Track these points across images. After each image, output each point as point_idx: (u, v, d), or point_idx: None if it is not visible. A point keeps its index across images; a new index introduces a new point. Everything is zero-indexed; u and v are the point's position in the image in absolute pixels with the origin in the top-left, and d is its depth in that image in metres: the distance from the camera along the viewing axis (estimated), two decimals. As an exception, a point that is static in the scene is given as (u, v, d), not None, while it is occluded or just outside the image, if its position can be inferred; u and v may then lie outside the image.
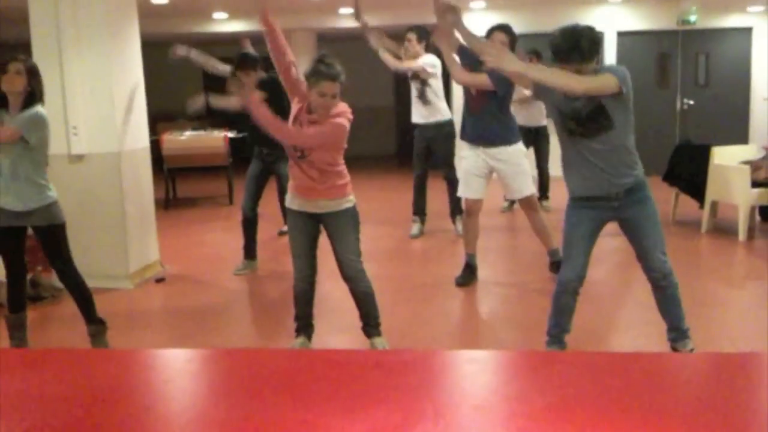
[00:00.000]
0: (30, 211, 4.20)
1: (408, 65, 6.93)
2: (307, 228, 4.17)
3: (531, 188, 5.67)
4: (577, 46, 3.57)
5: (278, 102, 4.90)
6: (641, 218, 3.84)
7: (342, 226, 4.14)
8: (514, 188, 5.64)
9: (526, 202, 5.69)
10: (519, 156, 5.60)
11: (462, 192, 5.68)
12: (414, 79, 7.06)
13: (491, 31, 5.34)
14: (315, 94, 3.87)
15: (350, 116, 3.99)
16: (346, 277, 4.19)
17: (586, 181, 3.78)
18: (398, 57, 6.99)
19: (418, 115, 7.17)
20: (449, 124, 7.16)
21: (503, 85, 5.15)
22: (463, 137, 5.64)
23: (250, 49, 5.90)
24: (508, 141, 5.51)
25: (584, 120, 3.65)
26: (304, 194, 4.11)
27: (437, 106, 7.09)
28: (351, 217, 4.16)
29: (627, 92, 3.60)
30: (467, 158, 5.60)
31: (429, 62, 6.93)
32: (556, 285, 4.04)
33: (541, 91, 3.81)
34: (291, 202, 4.19)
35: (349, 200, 4.15)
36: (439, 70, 6.92)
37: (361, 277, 4.18)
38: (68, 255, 4.37)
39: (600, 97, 3.60)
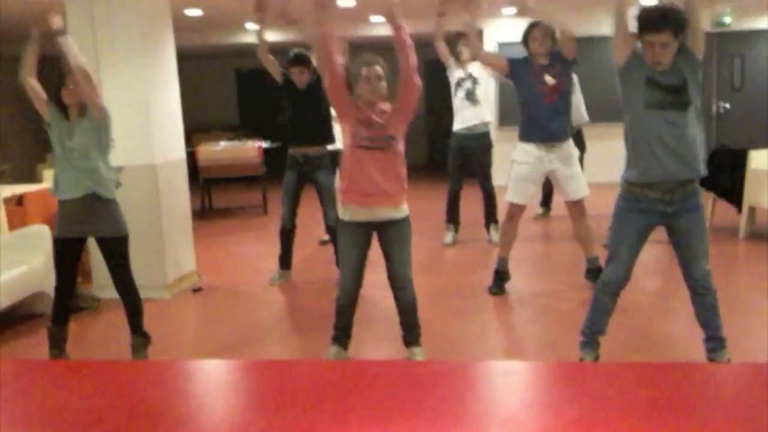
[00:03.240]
0: (102, 210, 4.32)
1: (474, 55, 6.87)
2: (361, 241, 4.13)
3: (586, 189, 5.62)
4: (670, 19, 3.56)
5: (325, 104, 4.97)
6: (692, 227, 3.81)
7: (400, 236, 4.10)
8: (571, 190, 5.57)
9: (576, 206, 5.63)
10: (575, 156, 5.61)
11: (511, 197, 5.60)
12: (465, 80, 7.08)
13: (528, 30, 5.39)
14: (362, 84, 3.95)
15: None
16: (397, 287, 4.17)
17: (657, 163, 3.69)
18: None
19: (462, 119, 7.17)
20: (488, 135, 7.24)
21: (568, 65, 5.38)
22: (528, 138, 5.50)
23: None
24: (568, 134, 5.55)
25: (673, 90, 3.63)
26: (363, 201, 4.05)
27: (484, 110, 7.17)
28: (408, 226, 4.14)
29: (700, 79, 3.68)
30: (525, 164, 5.51)
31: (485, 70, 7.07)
32: (597, 284, 4.03)
33: (634, 59, 3.74)
34: (344, 213, 4.16)
35: (406, 208, 4.14)
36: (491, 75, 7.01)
37: (410, 288, 4.16)
38: (127, 265, 4.47)
39: (684, 74, 3.63)
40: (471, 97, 7.07)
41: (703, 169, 3.77)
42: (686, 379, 2.16)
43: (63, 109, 4.31)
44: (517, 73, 5.42)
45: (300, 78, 5.92)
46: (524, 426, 1.88)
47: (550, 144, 5.44)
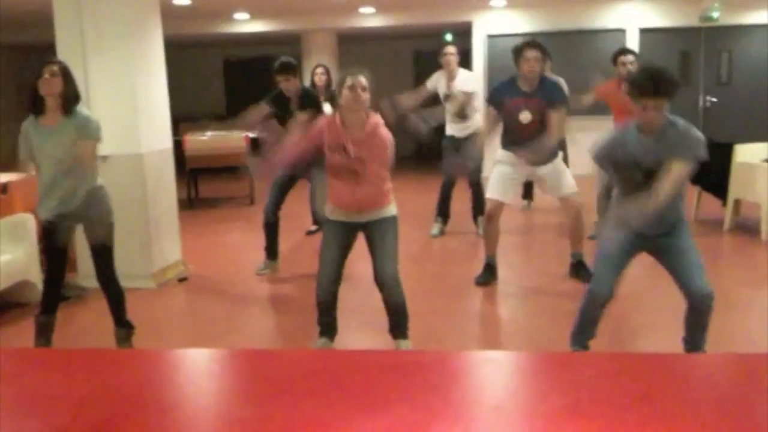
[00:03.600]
0: (84, 212, 4.28)
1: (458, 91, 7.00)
2: (344, 239, 4.15)
3: (574, 186, 5.58)
4: (661, 85, 3.53)
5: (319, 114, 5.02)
6: (682, 242, 3.79)
7: (384, 234, 4.11)
8: (558, 187, 5.55)
9: (569, 203, 5.60)
10: (558, 161, 5.55)
11: (491, 194, 5.58)
12: (453, 98, 7.07)
13: (521, 49, 5.26)
14: (346, 92, 3.92)
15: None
16: (382, 285, 4.16)
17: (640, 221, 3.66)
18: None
19: (454, 129, 7.21)
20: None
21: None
22: (508, 149, 5.50)
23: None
24: (552, 158, 5.47)
25: (653, 174, 3.61)
26: (347, 206, 4.09)
27: (476, 120, 7.17)
28: (393, 224, 4.15)
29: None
30: (506, 165, 5.51)
31: (472, 79, 7.17)
32: (585, 296, 3.98)
33: (606, 155, 3.79)
34: (332, 213, 4.17)
35: (392, 207, 4.16)
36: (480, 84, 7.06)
37: (396, 285, 4.15)
38: (111, 255, 4.44)
39: (670, 150, 3.60)
40: (462, 114, 7.09)
41: (683, 213, 3.84)
42: (671, 369, 2.17)
43: (37, 101, 4.18)
44: (498, 101, 5.38)
45: (287, 85, 5.95)
46: (510, 415, 1.89)
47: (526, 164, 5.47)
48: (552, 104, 5.25)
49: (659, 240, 3.79)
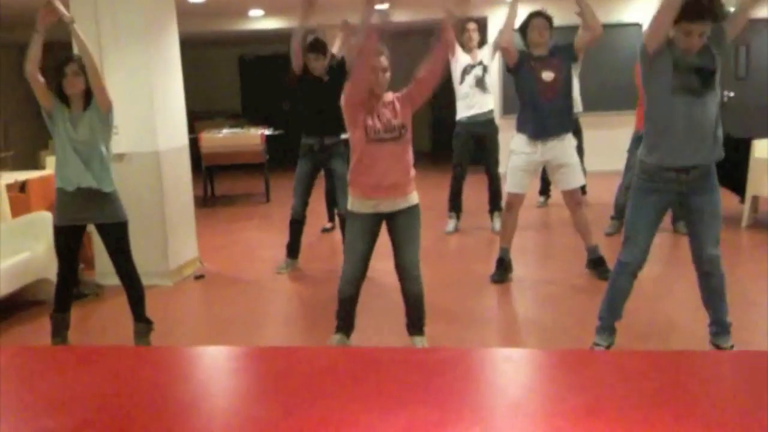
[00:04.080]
0: (101, 199, 4.32)
1: (498, 40, 6.74)
2: (369, 233, 4.11)
3: (581, 180, 5.63)
4: (714, 10, 3.59)
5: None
6: (704, 207, 3.83)
7: (410, 225, 4.08)
8: (564, 180, 5.58)
9: (571, 196, 5.63)
10: (571, 147, 5.60)
11: (509, 187, 5.62)
12: (474, 67, 7.02)
13: (527, 20, 5.40)
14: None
15: None
16: (405, 278, 4.14)
17: (683, 147, 3.70)
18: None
19: (469, 106, 7.09)
20: (494, 121, 7.27)
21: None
22: (523, 131, 5.52)
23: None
24: (567, 128, 5.54)
25: (702, 74, 3.63)
26: (370, 194, 4.04)
27: (491, 97, 7.18)
28: (417, 214, 4.12)
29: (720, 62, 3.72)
30: (521, 155, 5.52)
31: (488, 53, 7.07)
32: (615, 266, 4.02)
33: (665, 44, 3.69)
34: (354, 204, 4.13)
35: (415, 196, 4.12)
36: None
37: (417, 275, 4.14)
38: (129, 253, 4.47)
39: (714, 57, 3.66)
40: (481, 84, 7.03)
41: (720, 153, 3.79)
42: (689, 368, 2.16)
43: (64, 100, 4.29)
44: (519, 66, 5.41)
45: (316, 65, 5.85)
46: (529, 413, 1.88)
47: (544, 138, 5.45)
48: (569, 58, 5.44)
49: (688, 195, 3.81)
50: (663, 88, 3.71)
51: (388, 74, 3.98)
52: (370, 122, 3.95)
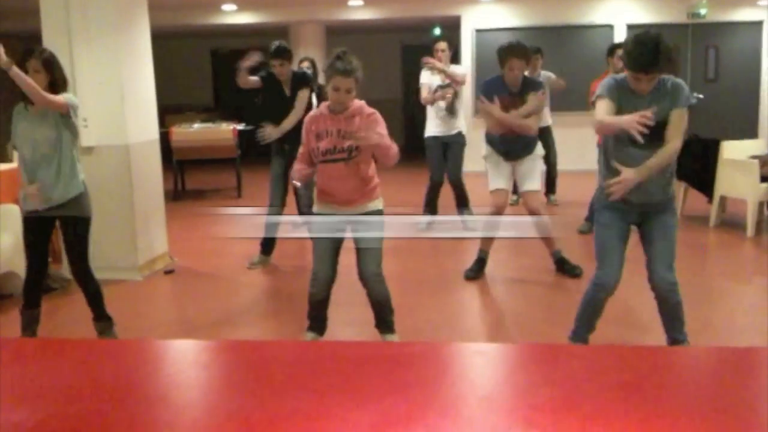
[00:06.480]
0: (65, 202, 4.23)
1: (453, 74, 7.00)
2: (333, 232, 4.10)
3: (537, 184, 5.73)
4: (657, 58, 3.50)
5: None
6: (659, 229, 3.80)
7: (370, 230, 4.07)
8: (524, 182, 5.68)
9: (531, 199, 5.67)
10: (539, 158, 5.75)
11: (494, 185, 5.65)
12: (444, 88, 7.07)
13: (505, 57, 5.38)
14: (330, 89, 3.89)
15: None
16: (365, 280, 4.13)
17: (636, 188, 3.67)
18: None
19: (438, 127, 7.20)
20: (462, 134, 7.27)
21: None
22: (492, 147, 5.69)
23: (255, 60, 5.94)
24: (533, 149, 5.67)
25: (653, 132, 3.57)
26: (333, 202, 4.06)
27: (461, 120, 7.26)
28: (380, 220, 4.10)
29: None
30: (493, 161, 5.68)
31: (461, 72, 7.19)
32: (590, 286, 3.95)
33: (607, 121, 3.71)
34: (318, 207, 4.14)
35: (379, 202, 4.12)
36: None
37: (380, 281, 4.12)
38: (86, 250, 4.38)
39: (669, 104, 3.64)
40: (451, 109, 7.11)
41: (673, 188, 3.86)
42: (659, 362, 2.18)
43: (25, 98, 4.16)
44: (490, 97, 5.45)
45: (281, 70, 5.99)
46: (500, 406, 1.89)
47: (513, 159, 5.63)
48: (539, 87, 5.60)
49: (646, 216, 3.81)
50: (616, 138, 3.71)
51: (352, 94, 3.91)
52: (314, 144, 3.98)
